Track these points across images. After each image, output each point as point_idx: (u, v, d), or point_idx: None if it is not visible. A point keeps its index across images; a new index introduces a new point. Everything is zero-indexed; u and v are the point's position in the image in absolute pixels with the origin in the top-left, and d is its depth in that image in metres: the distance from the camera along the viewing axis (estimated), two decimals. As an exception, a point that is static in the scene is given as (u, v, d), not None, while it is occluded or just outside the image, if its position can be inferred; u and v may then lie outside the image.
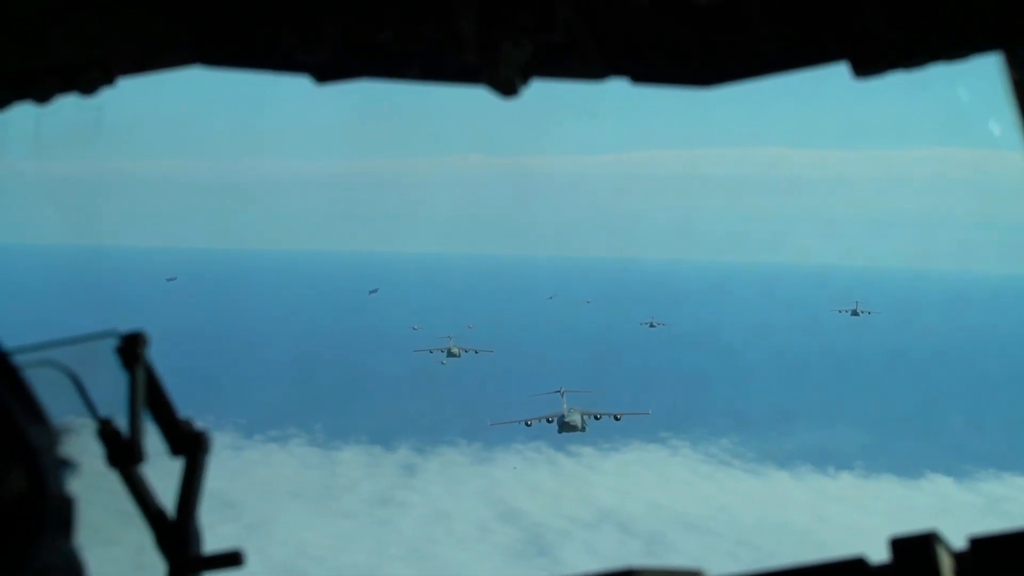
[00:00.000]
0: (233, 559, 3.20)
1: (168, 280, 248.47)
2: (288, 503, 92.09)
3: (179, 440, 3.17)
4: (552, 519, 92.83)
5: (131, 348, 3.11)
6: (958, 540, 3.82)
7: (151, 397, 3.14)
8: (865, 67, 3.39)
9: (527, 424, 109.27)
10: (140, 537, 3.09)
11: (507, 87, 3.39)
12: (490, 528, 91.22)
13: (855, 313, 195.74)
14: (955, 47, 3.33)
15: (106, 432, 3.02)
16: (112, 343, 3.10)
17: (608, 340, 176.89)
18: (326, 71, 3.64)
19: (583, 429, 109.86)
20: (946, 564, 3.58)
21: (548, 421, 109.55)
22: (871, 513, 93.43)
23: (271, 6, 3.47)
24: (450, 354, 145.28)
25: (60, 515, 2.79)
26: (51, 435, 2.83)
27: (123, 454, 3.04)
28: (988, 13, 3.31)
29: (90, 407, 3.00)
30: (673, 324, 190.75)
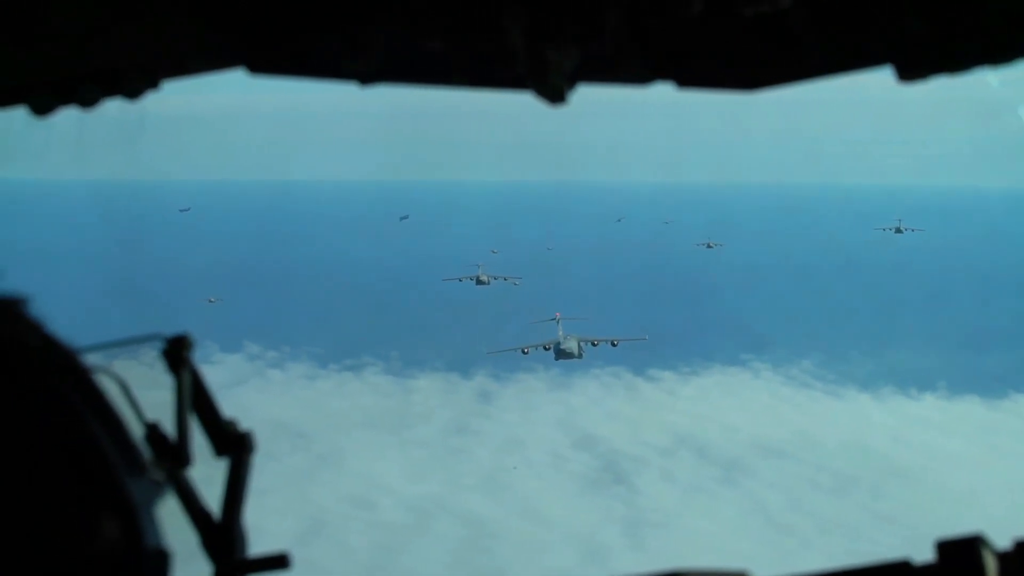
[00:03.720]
0: (280, 561, 3.08)
1: (181, 211, 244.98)
2: (361, 433, 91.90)
3: (224, 441, 3.10)
4: (629, 446, 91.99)
5: (176, 351, 3.04)
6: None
7: (196, 399, 3.07)
8: (909, 72, 3.43)
9: (524, 352, 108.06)
10: (186, 539, 2.94)
11: (555, 95, 3.45)
12: (565, 456, 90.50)
13: (898, 231, 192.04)
14: (998, 52, 3.38)
15: (153, 436, 2.93)
16: (157, 346, 3.04)
17: (658, 261, 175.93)
18: (372, 77, 3.69)
19: (580, 356, 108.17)
20: (991, 567, 3.54)
21: (545, 348, 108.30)
22: (954, 435, 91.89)
23: (318, 16, 3.50)
24: (479, 282, 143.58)
25: (157, 572, 2.69)
26: (148, 478, 2.78)
27: (171, 457, 2.95)
28: None
29: (137, 411, 2.87)
30: (730, 244, 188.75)
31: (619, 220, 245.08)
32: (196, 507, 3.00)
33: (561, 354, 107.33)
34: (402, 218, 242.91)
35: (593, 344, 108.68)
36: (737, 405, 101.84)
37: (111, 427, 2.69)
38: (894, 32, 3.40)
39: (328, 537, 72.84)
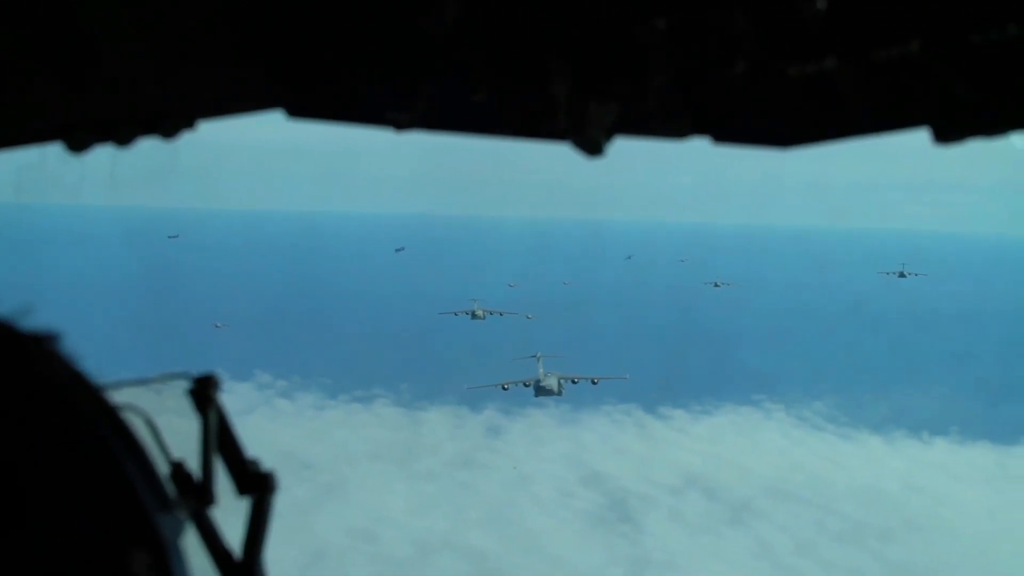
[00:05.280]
0: None
1: (170, 238, 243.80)
2: (368, 465, 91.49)
3: (247, 480, 3.06)
4: (637, 484, 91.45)
5: (203, 390, 3.04)
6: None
7: (221, 438, 3.06)
8: (946, 134, 3.43)
9: (504, 388, 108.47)
10: None
11: (593, 147, 3.49)
12: (572, 493, 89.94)
13: (902, 275, 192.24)
14: None
15: (178, 475, 2.93)
16: (184, 385, 3.04)
17: (661, 299, 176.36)
18: (410, 124, 3.72)
19: (560, 393, 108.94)
20: None
21: (525, 385, 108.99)
22: (966, 481, 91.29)
23: (364, 63, 3.55)
24: (474, 316, 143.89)
25: None
26: (175, 515, 2.76)
27: (195, 496, 2.95)
28: None
29: (163, 450, 2.86)
30: (739, 284, 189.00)
31: (628, 258, 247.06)
32: (218, 546, 2.94)
33: (540, 391, 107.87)
34: (397, 249, 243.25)
35: (573, 382, 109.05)
36: (748, 445, 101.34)
37: (141, 465, 2.65)
38: (936, 94, 3.38)
39: (328, 569, 72.37)
